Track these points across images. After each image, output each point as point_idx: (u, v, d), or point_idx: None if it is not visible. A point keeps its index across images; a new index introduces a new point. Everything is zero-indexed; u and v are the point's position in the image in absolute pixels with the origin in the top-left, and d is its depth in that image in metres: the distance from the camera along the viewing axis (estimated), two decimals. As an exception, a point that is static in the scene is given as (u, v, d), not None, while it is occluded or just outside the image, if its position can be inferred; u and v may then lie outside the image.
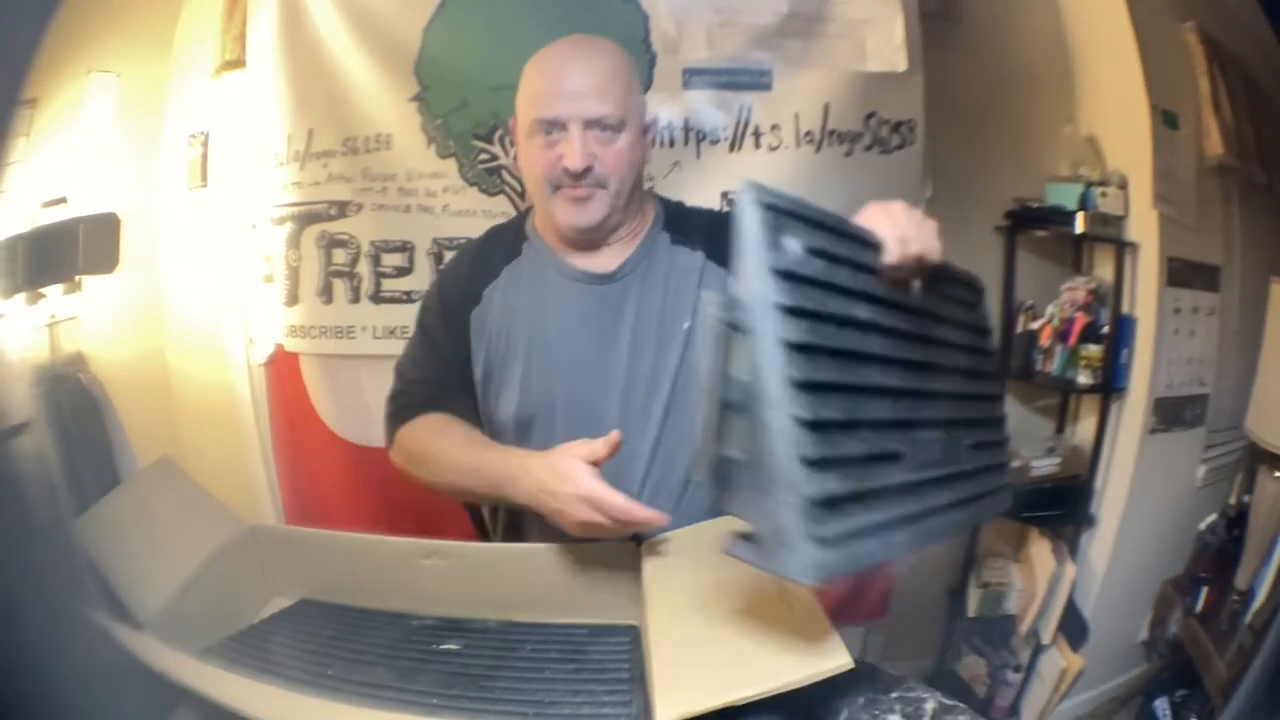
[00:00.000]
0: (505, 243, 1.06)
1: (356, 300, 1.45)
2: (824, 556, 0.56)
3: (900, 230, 0.72)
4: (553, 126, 0.92)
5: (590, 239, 1.00)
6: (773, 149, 1.45)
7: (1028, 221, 1.44)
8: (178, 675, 0.85)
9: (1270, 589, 1.08)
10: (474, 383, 1.04)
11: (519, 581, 0.96)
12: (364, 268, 1.44)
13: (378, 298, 1.45)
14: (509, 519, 1.09)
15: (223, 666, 0.88)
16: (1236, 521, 1.18)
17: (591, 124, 0.91)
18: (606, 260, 1.01)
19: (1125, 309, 1.35)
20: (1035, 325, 1.46)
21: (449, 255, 1.42)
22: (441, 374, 1.04)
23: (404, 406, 1.04)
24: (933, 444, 0.71)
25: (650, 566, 0.89)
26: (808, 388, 0.57)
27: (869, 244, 0.71)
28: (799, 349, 0.57)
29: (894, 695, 0.79)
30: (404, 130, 1.42)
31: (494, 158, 1.42)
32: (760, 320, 0.56)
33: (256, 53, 1.41)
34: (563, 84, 0.92)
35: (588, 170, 0.92)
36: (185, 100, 1.40)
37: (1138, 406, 1.34)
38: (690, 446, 0.78)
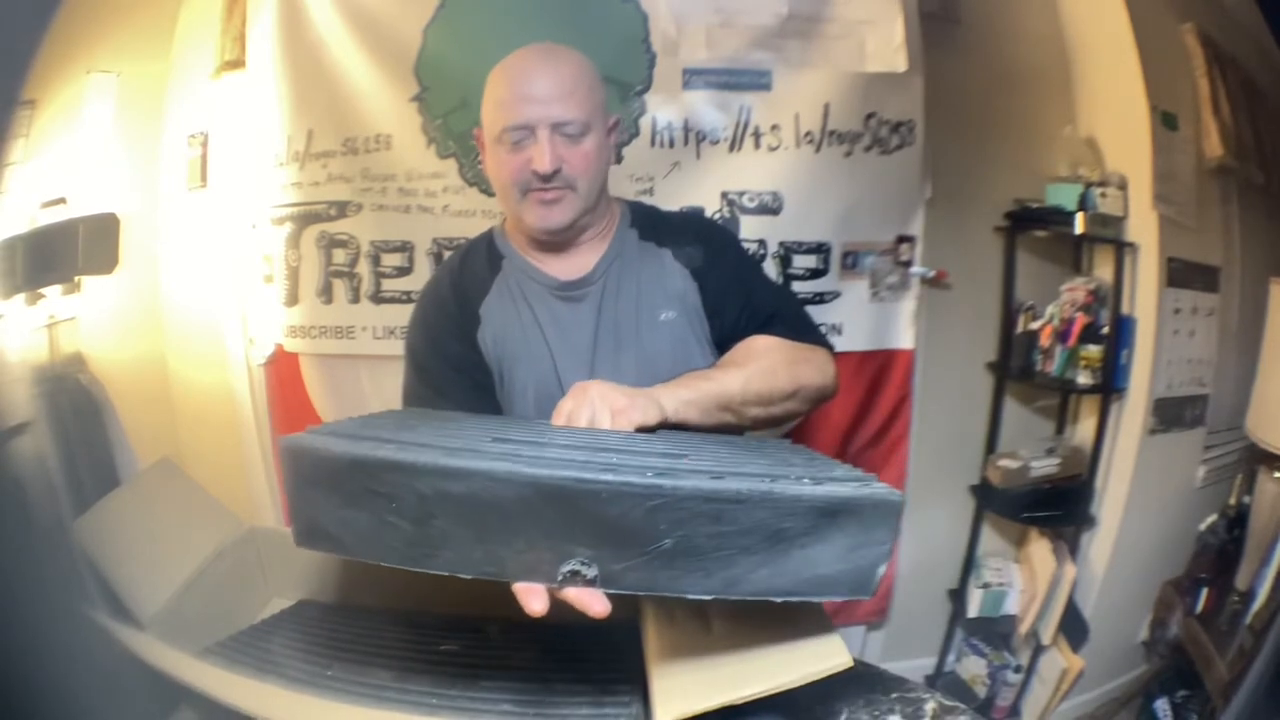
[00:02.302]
0: (484, 260, 1.07)
1: (356, 300, 1.45)
2: None
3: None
4: (521, 132, 0.93)
5: (560, 239, 1.01)
6: (772, 149, 1.45)
7: (1028, 222, 1.44)
8: (178, 675, 0.85)
9: (1271, 589, 1.08)
10: (495, 400, 1.03)
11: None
12: (364, 268, 1.44)
13: (378, 298, 1.45)
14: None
15: (223, 666, 0.88)
16: (1236, 522, 1.18)
17: (558, 127, 0.93)
18: (581, 263, 1.02)
19: (1125, 309, 1.36)
20: (1035, 325, 1.46)
21: (449, 255, 1.42)
22: (451, 402, 1.03)
23: None
24: None
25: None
26: None
27: None
28: None
29: (894, 695, 0.79)
30: (404, 130, 1.42)
31: (494, 158, 1.42)
32: None
33: (256, 53, 1.41)
34: (528, 90, 0.93)
35: (556, 172, 0.93)
36: (185, 100, 1.40)
37: (1137, 407, 1.34)
38: None
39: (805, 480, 0.62)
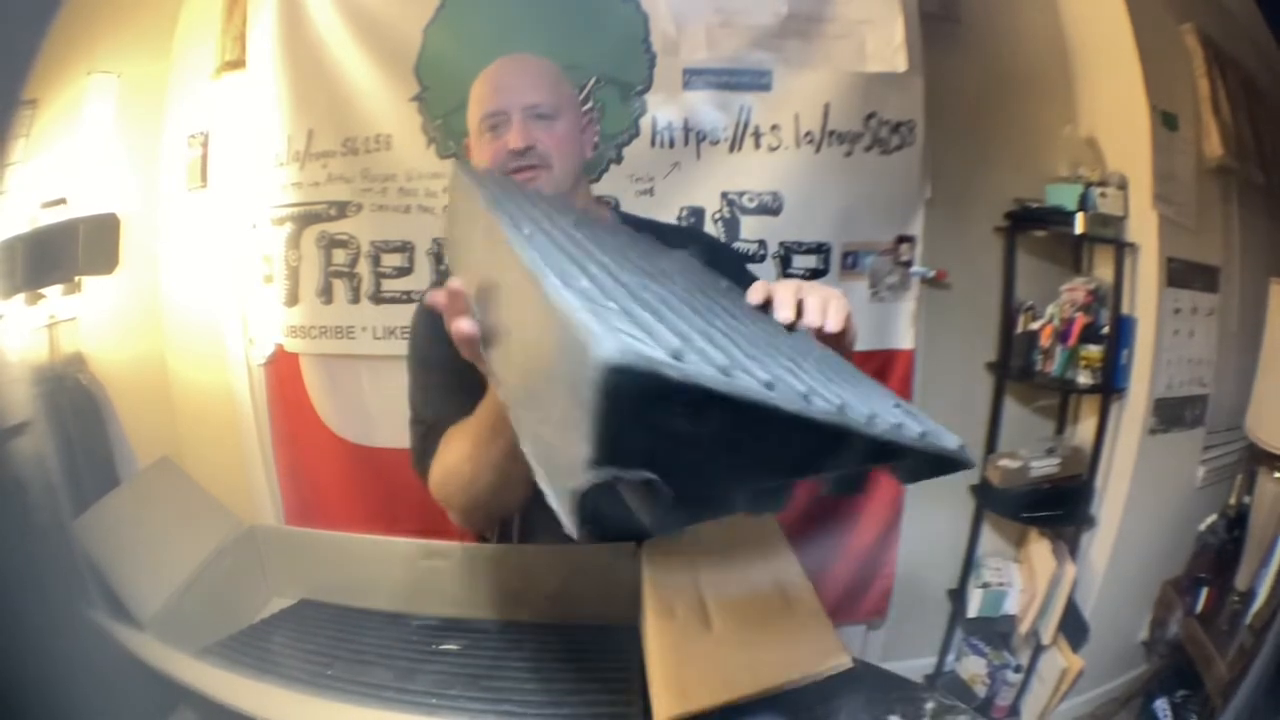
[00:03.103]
0: None
1: (356, 300, 1.45)
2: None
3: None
4: (496, 118, 1.04)
5: None
6: (772, 149, 1.45)
7: (1028, 222, 1.44)
8: (178, 675, 0.85)
9: (1270, 589, 1.08)
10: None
11: (519, 581, 0.96)
12: (364, 268, 1.44)
13: (378, 298, 1.45)
14: (523, 527, 1.08)
15: (223, 666, 0.88)
16: (1236, 522, 1.18)
17: (529, 110, 1.04)
18: None
19: (1125, 309, 1.35)
20: (1035, 326, 1.46)
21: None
22: (462, 397, 1.03)
23: (427, 444, 1.00)
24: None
25: (649, 567, 0.90)
26: None
27: None
28: None
29: (894, 695, 0.79)
30: (404, 130, 1.42)
31: (494, 158, 1.42)
32: None
33: (256, 53, 1.41)
34: (502, 82, 1.07)
35: (530, 149, 1.03)
36: (185, 101, 1.40)
37: (1138, 407, 1.34)
38: None
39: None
